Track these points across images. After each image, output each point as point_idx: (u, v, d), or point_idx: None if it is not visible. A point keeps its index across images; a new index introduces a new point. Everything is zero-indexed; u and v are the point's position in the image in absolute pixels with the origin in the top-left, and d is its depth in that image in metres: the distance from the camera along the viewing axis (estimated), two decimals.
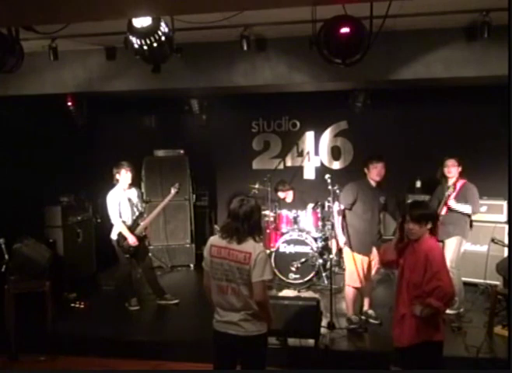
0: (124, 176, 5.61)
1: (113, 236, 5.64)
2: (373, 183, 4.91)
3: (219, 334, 3.19)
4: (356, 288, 5.03)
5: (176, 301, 5.85)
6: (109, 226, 5.72)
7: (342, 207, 5.02)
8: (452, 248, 5.23)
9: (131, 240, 5.56)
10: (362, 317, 5.17)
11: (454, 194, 5.24)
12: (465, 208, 5.22)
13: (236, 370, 3.29)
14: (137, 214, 5.71)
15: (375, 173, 4.83)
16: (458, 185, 5.30)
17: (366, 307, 5.26)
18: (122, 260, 5.69)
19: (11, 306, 4.83)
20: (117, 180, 5.64)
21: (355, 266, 4.94)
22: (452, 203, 5.21)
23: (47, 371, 4.67)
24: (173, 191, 5.81)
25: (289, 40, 5.29)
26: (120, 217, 5.57)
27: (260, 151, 8.02)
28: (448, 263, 5.17)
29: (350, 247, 4.96)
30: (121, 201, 5.59)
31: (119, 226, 5.57)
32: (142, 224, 5.71)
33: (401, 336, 3.40)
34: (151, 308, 5.84)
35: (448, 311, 5.19)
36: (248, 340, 3.12)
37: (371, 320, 5.15)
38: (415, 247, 3.42)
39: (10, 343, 4.78)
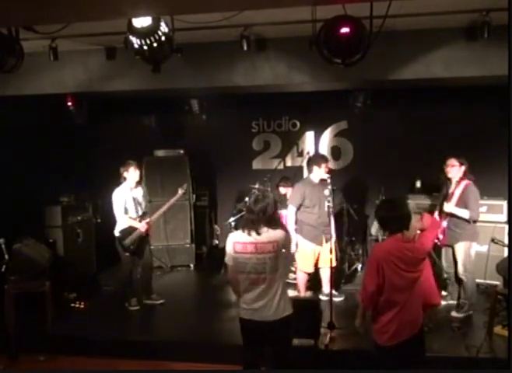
0: (132, 173, 5.59)
1: (117, 233, 5.61)
2: (315, 180, 5.51)
3: (246, 321, 3.39)
4: (308, 274, 5.62)
5: (161, 301, 5.85)
6: (109, 226, 5.71)
7: (294, 207, 5.52)
8: (462, 253, 5.12)
9: (141, 226, 5.58)
10: (321, 296, 5.55)
11: (455, 198, 5.10)
12: (463, 213, 5.01)
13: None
14: (140, 213, 5.69)
15: (325, 171, 5.47)
16: (461, 187, 5.12)
17: (325, 288, 5.63)
18: (124, 259, 5.68)
19: (11, 306, 4.82)
20: (125, 178, 5.61)
21: (307, 253, 5.49)
22: (449, 207, 5.09)
23: (47, 371, 4.67)
24: (180, 192, 5.81)
25: (289, 40, 5.29)
26: (127, 213, 5.56)
27: (260, 151, 8.03)
28: (461, 268, 5.12)
29: (302, 235, 5.51)
30: (127, 199, 5.57)
31: (125, 221, 5.55)
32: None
33: None
34: (151, 308, 5.82)
35: (457, 314, 5.18)
36: (277, 323, 3.28)
37: (336, 298, 5.54)
38: None
39: (10, 343, 4.78)
